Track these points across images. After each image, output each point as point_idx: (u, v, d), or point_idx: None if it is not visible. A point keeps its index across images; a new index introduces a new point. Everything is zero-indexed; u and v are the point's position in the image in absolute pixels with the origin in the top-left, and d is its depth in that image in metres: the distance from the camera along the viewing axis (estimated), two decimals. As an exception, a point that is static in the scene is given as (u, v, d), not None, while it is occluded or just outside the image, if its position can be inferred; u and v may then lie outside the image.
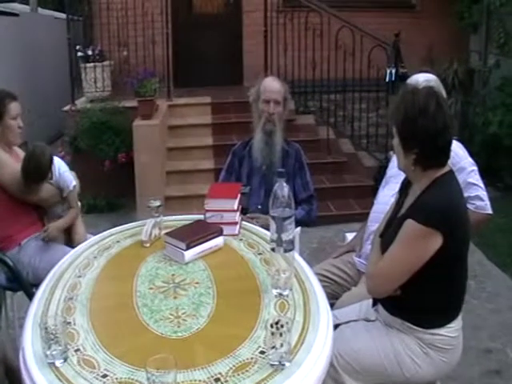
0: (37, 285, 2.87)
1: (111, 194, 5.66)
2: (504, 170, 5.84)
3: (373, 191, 5.61)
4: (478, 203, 2.57)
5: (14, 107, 2.83)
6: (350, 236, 3.04)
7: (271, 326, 1.51)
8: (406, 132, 1.91)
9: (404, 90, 2.03)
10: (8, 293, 2.96)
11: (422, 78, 2.67)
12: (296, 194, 2.98)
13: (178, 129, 5.97)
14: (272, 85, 3.05)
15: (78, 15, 6.27)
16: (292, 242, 1.85)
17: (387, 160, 5.71)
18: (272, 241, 1.86)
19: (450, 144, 1.92)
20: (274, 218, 1.81)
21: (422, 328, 1.96)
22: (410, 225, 1.85)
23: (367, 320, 2.15)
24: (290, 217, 1.80)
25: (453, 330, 1.99)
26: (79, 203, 3.21)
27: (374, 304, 2.13)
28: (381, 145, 5.92)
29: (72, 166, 3.24)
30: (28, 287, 2.79)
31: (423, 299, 1.95)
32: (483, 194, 2.61)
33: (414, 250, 1.86)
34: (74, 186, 3.02)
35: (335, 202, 5.47)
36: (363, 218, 5.19)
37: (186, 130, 6.00)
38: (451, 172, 1.97)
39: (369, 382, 2.04)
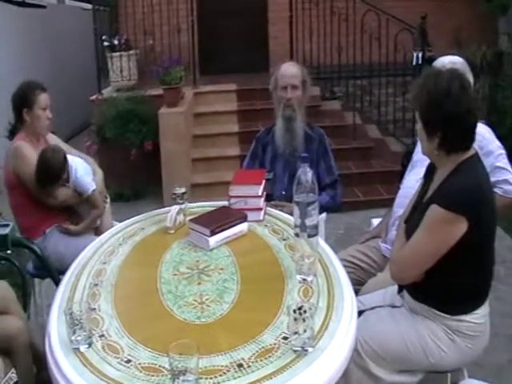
0: (63, 272, 2.96)
1: (137, 183, 5.70)
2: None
3: (400, 176, 5.60)
4: (506, 187, 2.51)
5: (43, 98, 2.88)
6: (376, 221, 3.01)
7: (294, 312, 1.51)
8: (429, 116, 1.88)
9: (427, 72, 1.99)
10: (36, 280, 3.02)
11: (448, 60, 2.62)
12: (320, 179, 2.95)
13: (204, 116, 5.97)
14: (288, 70, 3.02)
15: (104, 5, 6.30)
16: (316, 227, 1.83)
17: (414, 145, 5.65)
18: (296, 226, 1.85)
19: (474, 127, 1.88)
20: (297, 203, 1.80)
21: (448, 314, 1.93)
22: (434, 210, 1.82)
23: (392, 306, 2.13)
24: (313, 202, 1.79)
25: (479, 316, 1.96)
26: (105, 192, 3.24)
27: (400, 290, 2.11)
28: (408, 129, 5.83)
29: (99, 155, 3.29)
30: (55, 274, 2.83)
31: (449, 285, 1.92)
32: (511, 177, 2.55)
33: (438, 236, 1.83)
34: (94, 190, 2.95)
35: (362, 188, 5.43)
36: (390, 203, 5.16)
37: (211, 118, 6.00)
38: (476, 155, 1.93)
39: (393, 368, 2.02)
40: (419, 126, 1.93)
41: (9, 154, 2.86)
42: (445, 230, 1.82)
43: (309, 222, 1.80)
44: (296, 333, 1.50)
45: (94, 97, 5.98)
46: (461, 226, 1.79)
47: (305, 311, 1.50)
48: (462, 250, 1.84)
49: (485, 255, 1.95)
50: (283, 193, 2.99)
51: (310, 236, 1.82)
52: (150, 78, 5.91)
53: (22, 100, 2.86)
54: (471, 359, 2.04)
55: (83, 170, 2.96)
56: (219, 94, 6.19)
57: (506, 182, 2.51)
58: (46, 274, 2.90)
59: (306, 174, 1.79)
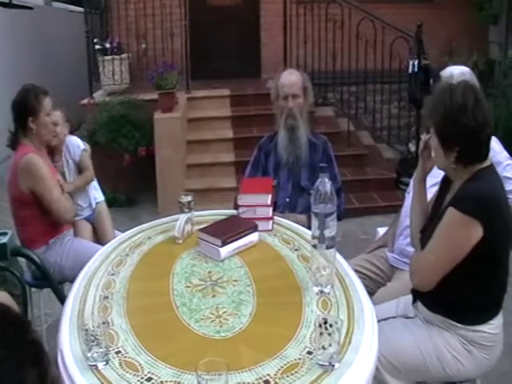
0: (62, 282, 2.91)
1: (131, 189, 5.63)
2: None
3: (395, 184, 5.61)
4: (516, 198, 2.51)
5: (47, 103, 2.77)
6: (381, 230, 2.99)
7: (320, 326, 1.47)
8: (446, 131, 1.87)
9: (440, 87, 1.97)
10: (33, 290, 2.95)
11: (457, 71, 2.62)
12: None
13: (198, 122, 5.93)
14: (288, 79, 2.99)
15: (94, 8, 6.21)
16: (334, 238, 1.80)
17: (409, 152, 5.68)
18: (314, 237, 1.81)
19: (490, 138, 1.88)
20: (316, 214, 1.76)
21: (464, 325, 1.92)
22: (450, 213, 1.82)
23: (406, 317, 2.12)
24: (332, 213, 1.75)
25: (494, 326, 1.95)
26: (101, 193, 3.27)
27: (414, 301, 2.08)
28: (402, 137, 5.85)
29: (91, 161, 3.26)
30: (56, 284, 2.78)
31: (465, 295, 1.92)
32: (520, 187, 2.55)
33: (454, 239, 1.83)
34: (84, 150, 3.18)
35: (357, 195, 5.42)
36: (386, 210, 5.21)
37: (205, 123, 5.96)
38: (492, 166, 1.94)
39: (409, 380, 2.01)
40: (435, 141, 1.91)
41: (20, 169, 2.69)
42: (460, 233, 1.82)
43: (328, 233, 1.76)
44: (322, 347, 1.47)
45: (85, 101, 5.90)
46: (476, 231, 1.79)
47: (330, 325, 1.47)
48: (476, 260, 1.83)
49: (499, 265, 1.94)
50: (287, 200, 2.96)
51: (328, 247, 1.79)
52: (142, 82, 5.85)
53: (26, 108, 2.72)
54: (487, 369, 2.03)
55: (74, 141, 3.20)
56: (213, 100, 6.15)
57: (514, 192, 2.51)
58: (44, 284, 2.84)
59: (325, 184, 1.75)
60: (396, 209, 5.08)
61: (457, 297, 1.92)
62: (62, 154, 3.13)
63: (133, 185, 5.56)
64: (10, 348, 0.86)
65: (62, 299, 2.71)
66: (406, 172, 5.55)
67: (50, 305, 3.13)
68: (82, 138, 5.78)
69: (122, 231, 3.04)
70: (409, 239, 2.54)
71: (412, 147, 5.61)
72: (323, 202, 1.75)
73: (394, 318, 2.13)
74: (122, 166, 5.47)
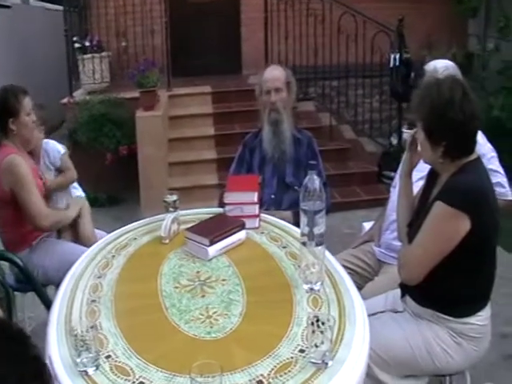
0: (46, 285, 2.86)
1: (112, 188, 5.57)
2: (505, 152, 5.81)
3: (378, 177, 5.63)
4: (499, 190, 2.53)
5: (27, 102, 2.71)
6: (367, 225, 2.99)
7: (312, 324, 1.46)
8: (433, 125, 1.87)
9: (427, 82, 1.97)
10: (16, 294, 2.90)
11: (440, 65, 2.63)
12: (309, 183, 2.94)
13: (179, 119, 5.89)
14: (271, 74, 2.99)
15: (73, 6, 6.12)
16: (323, 235, 1.79)
17: (391, 145, 5.70)
18: (303, 235, 1.80)
19: (477, 131, 1.89)
20: (305, 211, 1.76)
21: (453, 317, 1.93)
22: (438, 206, 1.83)
23: (394, 311, 2.12)
24: (321, 210, 1.75)
25: (483, 318, 1.97)
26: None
27: (403, 295, 2.09)
28: (383, 130, 5.86)
29: (71, 160, 3.22)
30: (40, 287, 2.73)
31: (453, 288, 1.92)
32: (504, 180, 2.59)
33: (442, 232, 1.84)
34: (64, 154, 3.15)
35: (340, 190, 5.42)
36: (369, 204, 5.23)
37: (187, 121, 5.92)
38: (478, 159, 1.95)
39: (399, 373, 2.01)
40: (422, 136, 1.92)
41: (2, 169, 2.65)
42: (448, 226, 1.82)
43: (317, 230, 1.76)
44: (315, 345, 1.46)
45: (65, 100, 5.81)
46: (464, 224, 1.80)
47: (323, 323, 1.46)
48: (464, 253, 1.84)
49: (487, 257, 1.96)
50: (272, 197, 2.94)
51: (317, 244, 1.78)
52: (123, 81, 5.79)
53: (6, 109, 2.67)
54: (475, 361, 2.05)
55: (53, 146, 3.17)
56: (194, 97, 6.11)
57: (498, 184, 2.53)
58: (28, 288, 2.79)
59: (314, 181, 1.74)
60: (379, 202, 5.14)
61: (445, 290, 1.93)
62: (40, 158, 3.08)
63: (114, 184, 5.50)
64: (12, 364, 0.84)
65: (46, 303, 2.67)
66: (389, 165, 5.58)
67: (33, 308, 3.09)
68: (62, 137, 5.78)
69: (105, 231, 3.02)
70: (395, 233, 2.55)
71: (394, 140, 5.64)
72: (312, 199, 1.74)
73: (382, 312, 2.14)
74: (103, 165, 5.41)
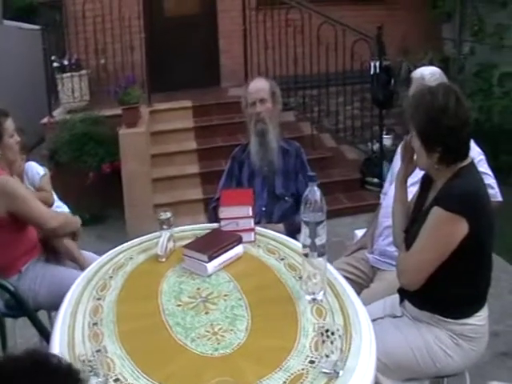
0: (37, 310, 2.81)
1: (95, 207, 5.49)
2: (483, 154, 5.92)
3: (361, 184, 5.66)
4: (489, 191, 2.56)
5: (9, 124, 2.68)
6: (359, 233, 3.01)
7: (321, 334, 1.47)
8: (428, 132, 1.90)
9: (420, 91, 2.00)
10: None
11: (427, 72, 2.67)
12: (299, 193, 2.95)
13: (161, 135, 5.85)
14: (255, 85, 3.00)
15: (50, 25, 6.06)
16: (324, 246, 1.80)
17: (372, 152, 5.75)
18: (304, 246, 1.81)
19: (470, 136, 1.93)
20: (306, 223, 1.76)
21: (452, 319, 1.96)
22: (436, 212, 1.85)
23: (393, 316, 2.14)
24: (322, 221, 1.76)
25: (481, 318, 2.00)
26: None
27: (402, 300, 2.11)
28: (365, 137, 5.91)
29: (52, 181, 3.19)
30: (33, 313, 2.68)
31: (452, 291, 1.94)
32: (493, 182, 2.63)
33: (441, 237, 1.86)
34: (43, 175, 3.12)
35: (324, 198, 5.42)
36: (353, 211, 5.25)
37: (168, 136, 5.89)
38: (472, 163, 1.98)
39: (400, 377, 2.03)
40: (417, 144, 1.94)
41: None
42: (447, 230, 1.85)
43: (318, 241, 1.77)
44: (325, 355, 1.47)
45: (45, 120, 5.75)
46: (462, 227, 1.82)
47: (332, 333, 1.47)
48: (462, 255, 1.86)
49: (484, 259, 1.99)
50: (263, 209, 2.94)
51: (319, 255, 1.79)
52: (102, 98, 5.75)
53: None
54: (475, 361, 2.07)
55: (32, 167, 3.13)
56: (175, 112, 6.08)
57: (488, 186, 2.56)
58: (19, 313, 2.74)
59: (315, 193, 1.76)
60: (363, 209, 5.20)
61: (444, 293, 1.95)
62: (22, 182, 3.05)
63: (97, 203, 5.43)
64: None
65: (39, 328, 2.63)
66: (371, 172, 5.63)
67: (22, 333, 3.03)
68: (42, 158, 5.71)
69: (89, 251, 2.99)
70: (389, 239, 2.58)
71: (375, 147, 5.70)
72: (313, 210, 1.75)
73: (381, 318, 2.15)
74: (85, 184, 5.33)
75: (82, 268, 2.65)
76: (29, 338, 3.03)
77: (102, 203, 5.48)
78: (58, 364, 0.92)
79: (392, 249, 2.52)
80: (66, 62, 5.70)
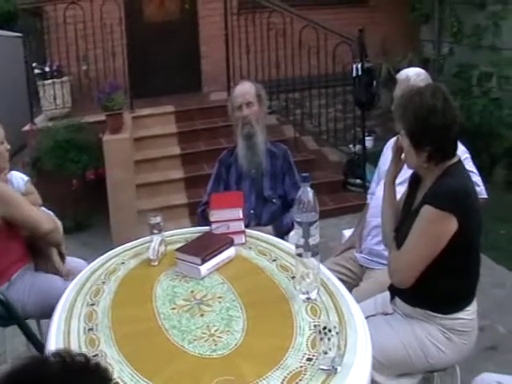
0: (26, 319, 2.79)
1: (79, 214, 5.45)
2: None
3: (343, 185, 5.71)
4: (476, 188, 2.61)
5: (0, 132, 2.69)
6: (347, 233, 3.04)
7: (319, 332, 1.49)
8: (417, 132, 1.93)
9: (408, 92, 2.04)
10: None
11: (412, 73, 2.71)
12: (287, 195, 2.98)
13: (144, 140, 5.84)
14: (241, 89, 3.02)
15: (31, 32, 6.02)
16: (317, 246, 1.83)
17: (355, 153, 5.80)
18: (298, 246, 1.83)
19: (458, 135, 1.96)
20: (299, 223, 1.78)
21: (443, 314, 2.00)
22: (426, 210, 1.89)
23: (385, 313, 2.17)
24: (315, 221, 1.78)
25: (470, 312, 2.04)
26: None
27: (393, 298, 2.14)
28: (347, 139, 5.96)
29: (37, 189, 3.17)
30: (23, 321, 2.65)
31: (442, 287, 1.98)
32: (478, 179, 2.66)
33: (432, 235, 1.89)
34: (28, 180, 3.04)
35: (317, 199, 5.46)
36: (338, 212, 5.28)
37: (151, 142, 5.88)
38: (460, 161, 2.03)
39: (393, 373, 2.06)
40: (406, 142, 1.98)
41: None
42: (438, 228, 1.88)
43: (312, 241, 1.79)
44: (323, 352, 1.49)
45: (27, 127, 5.69)
46: (452, 225, 1.86)
47: (329, 330, 1.49)
48: (452, 252, 1.90)
49: (473, 255, 2.03)
50: (252, 211, 2.96)
51: (313, 255, 1.81)
52: (84, 105, 5.71)
53: None
54: (466, 355, 2.11)
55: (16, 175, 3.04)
56: (157, 117, 6.07)
57: (474, 183, 2.61)
58: (9, 322, 2.71)
59: (307, 193, 1.79)
60: (347, 210, 5.23)
61: (434, 289, 1.98)
62: None
63: (81, 210, 5.39)
64: None
65: (30, 336, 2.61)
66: (354, 173, 5.68)
67: (10, 341, 3.01)
68: (24, 166, 5.66)
69: (76, 257, 2.98)
70: (377, 239, 2.61)
71: (357, 148, 5.75)
72: (306, 211, 1.77)
73: (373, 315, 2.18)
74: (69, 191, 5.29)
75: (66, 278, 2.66)
76: (16, 346, 3.01)
77: (86, 210, 5.44)
78: (86, 363, 0.93)
79: (380, 247, 2.55)
80: (47, 69, 5.65)
